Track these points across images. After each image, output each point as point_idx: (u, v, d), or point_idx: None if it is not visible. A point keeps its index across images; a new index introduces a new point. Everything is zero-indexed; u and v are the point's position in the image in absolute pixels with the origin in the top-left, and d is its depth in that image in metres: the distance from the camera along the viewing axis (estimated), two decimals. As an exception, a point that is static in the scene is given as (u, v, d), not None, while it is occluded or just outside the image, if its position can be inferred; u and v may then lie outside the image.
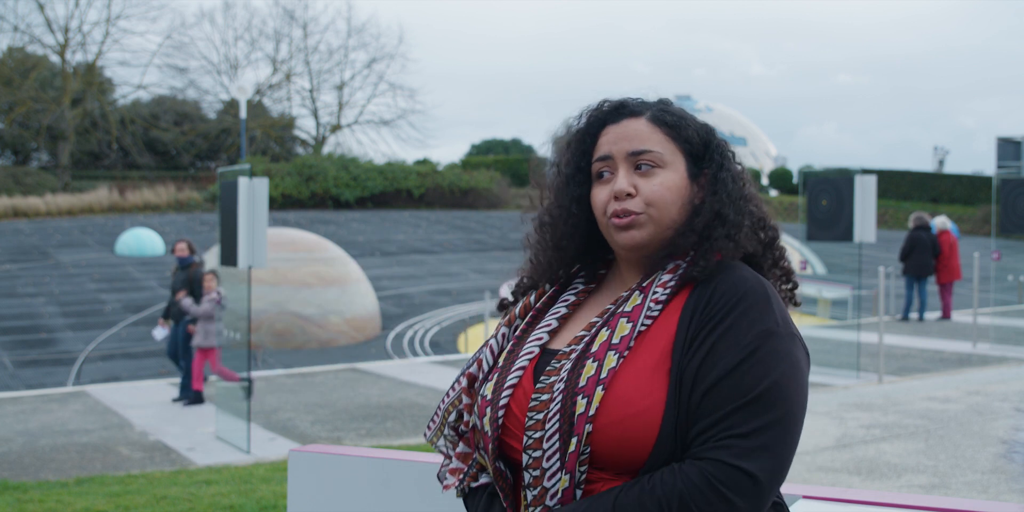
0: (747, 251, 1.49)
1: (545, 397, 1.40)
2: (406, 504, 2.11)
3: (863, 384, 9.28)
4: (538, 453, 1.38)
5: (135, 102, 42.06)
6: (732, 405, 1.32)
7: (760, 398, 1.32)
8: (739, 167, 1.54)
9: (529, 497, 1.40)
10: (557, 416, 1.37)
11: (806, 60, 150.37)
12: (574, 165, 1.56)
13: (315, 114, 44.08)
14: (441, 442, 1.60)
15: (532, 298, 1.61)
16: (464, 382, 1.56)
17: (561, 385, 1.39)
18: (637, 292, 1.46)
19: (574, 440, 1.35)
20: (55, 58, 38.44)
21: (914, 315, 14.59)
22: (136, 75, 73.38)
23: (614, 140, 1.52)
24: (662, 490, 1.30)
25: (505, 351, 1.55)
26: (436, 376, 10.28)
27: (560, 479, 1.37)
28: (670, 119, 1.53)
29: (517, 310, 1.61)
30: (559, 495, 1.38)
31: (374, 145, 60.18)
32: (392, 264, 21.57)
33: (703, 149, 1.53)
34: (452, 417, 1.57)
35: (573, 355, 1.44)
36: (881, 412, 7.50)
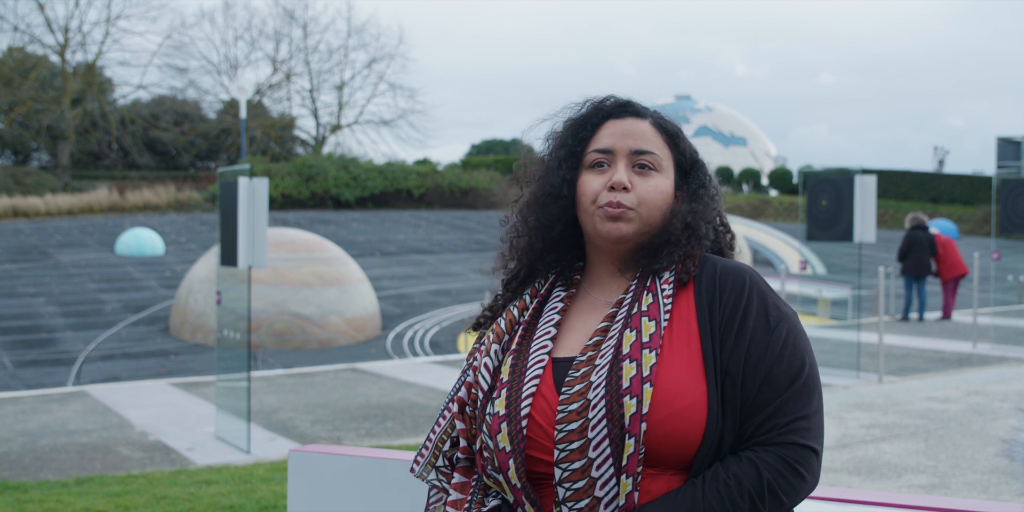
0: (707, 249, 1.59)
1: (575, 406, 1.39)
2: (406, 504, 2.11)
3: (863, 384, 9.28)
4: (578, 464, 1.37)
5: (135, 102, 42.03)
6: (788, 391, 1.40)
7: (806, 380, 1.42)
8: (715, 190, 1.60)
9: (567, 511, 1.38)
10: (604, 422, 1.36)
11: (796, 61, 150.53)
12: (568, 149, 1.57)
13: (315, 114, 44.10)
14: (433, 475, 1.54)
15: (515, 312, 1.58)
16: (455, 408, 1.52)
17: (601, 391, 1.38)
18: (646, 292, 1.48)
19: (631, 442, 1.35)
20: (55, 58, 38.43)
21: (914, 315, 14.59)
22: (136, 75, 73.53)
23: (619, 135, 1.54)
24: (750, 483, 1.35)
25: (506, 365, 1.50)
26: (436, 376, 10.28)
27: (619, 484, 1.36)
28: (671, 128, 1.58)
29: (503, 325, 1.57)
30: (622, 501, 1.36)
31: (374, 145, 60.18)
32: (392, 264, 21.57)
33: (691, 165, 1.59)
34: (447, 446, 1.53)
35: (600, 360, 1.42)
36: (881, 412, 7.50)
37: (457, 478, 1.52)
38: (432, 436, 1.56)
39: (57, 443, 7.39)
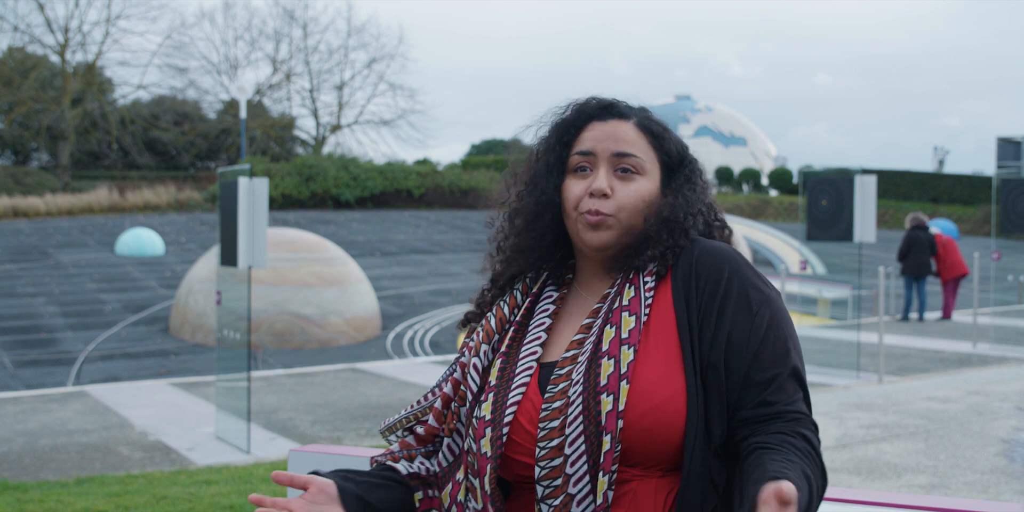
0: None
1: (558, 404, 1.38)
2: (406, 504, 2.11)
3: (863, 384, 9.28)
4: (556, 461, 1.36)
5: (135, 102, 42.04)
6: (777, 371, 1.39)
7: (792, 361, 1.40)
8: (703, 182, 1.57)
9: (546, 509, 1.37)
10: (580, 419, 1.35)
11: (795, 61, 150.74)
12: (556, 154, 1.55)
13: (315, 114, 44.10)
14: (393, 437, 1.61)
15: (506, 310, 1.57)
16: (439, 404, 1.54)
17: (579, 388, 1.37)
18: (628, 285, 1.47)
19: (607, 438, 1.34)
20: (55, 58, 38.43)
21: (914, 315, 14.59)
22: (136, 75, 73.51)
23: (600, 137, 1.52)
24: (813, 446, 1.35)
25: (495, 368, 1.49)
26: (436, 376, 10.24)
27: (595, 482, 1.35)
28: (656, 128, 1.55)
29: (493, 324, 1.55)
30: (599, 499, 1.35)
31: (374, 145, 60.24)
32: (392, 264, 21.57)
33: (678, 163, 1.56)
34: (412, 423, 1.58)
35: (582, 357, 1.42)
36: (881, 412, 7.50)
37: (408, 440, 1.58)
38: (408, 410, 1.60)
39: (57, 443, 7.38)
